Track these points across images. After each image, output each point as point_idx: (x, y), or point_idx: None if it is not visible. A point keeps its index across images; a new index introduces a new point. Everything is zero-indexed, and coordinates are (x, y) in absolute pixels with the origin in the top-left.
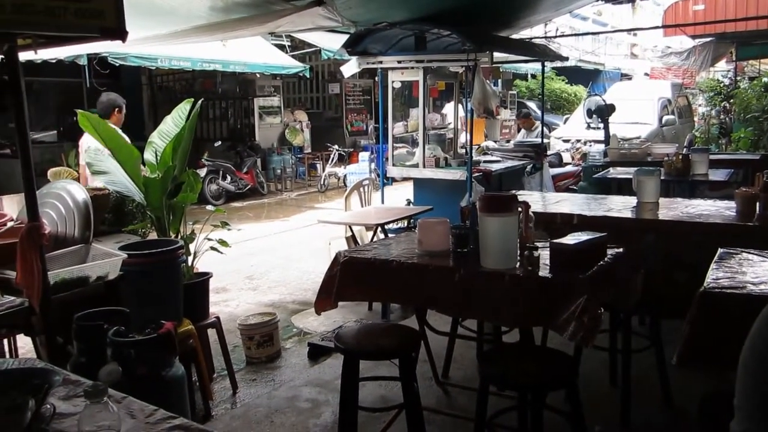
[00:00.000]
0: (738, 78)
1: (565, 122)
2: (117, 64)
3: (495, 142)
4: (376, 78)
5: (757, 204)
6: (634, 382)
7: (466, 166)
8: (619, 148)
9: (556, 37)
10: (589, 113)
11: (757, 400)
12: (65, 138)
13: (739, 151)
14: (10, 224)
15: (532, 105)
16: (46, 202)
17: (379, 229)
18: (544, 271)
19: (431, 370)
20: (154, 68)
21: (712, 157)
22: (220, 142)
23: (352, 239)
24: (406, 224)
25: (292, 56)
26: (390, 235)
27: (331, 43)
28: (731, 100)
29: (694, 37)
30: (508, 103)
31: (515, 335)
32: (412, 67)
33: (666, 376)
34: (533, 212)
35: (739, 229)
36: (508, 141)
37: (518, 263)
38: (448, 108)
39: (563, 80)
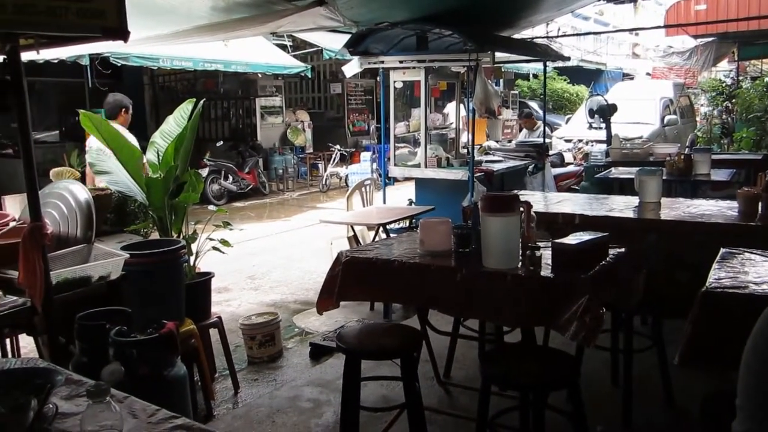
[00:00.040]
0: (740, 78)
1: (566, 122)
2: (119, 64)
3: (497, 141)
4: (378, 78)
5: (760, 204)
6: (635, 382)
7: (468, 166)
8: (621, 148)
9: (557, 36)
10: (591, 113)
11: (759, 400)
12: (67, 138)
13: (741, 151)
14: (12, 224)
15: (533, 105)
16: (48, 202)
17: (381, 229)
18: (545, 271)
19: (433, 369)
20: (156, 68)
21: (714, 157)
22: (222, 142)
23: (353, 239)
24: (407, 224)
25: (294, 56)
26: (392, 235)
27: (333, 43)
28: (733, 100)
29: (696, 36)
30: (509, 103)
31: (517, 335)
32: (414, 67)
33: (668, 376)
34: (535, 212)
35: (742, 229)
36: (509, 141)
37: (520, 263)
38: (450, 108)
39: (565, 80)
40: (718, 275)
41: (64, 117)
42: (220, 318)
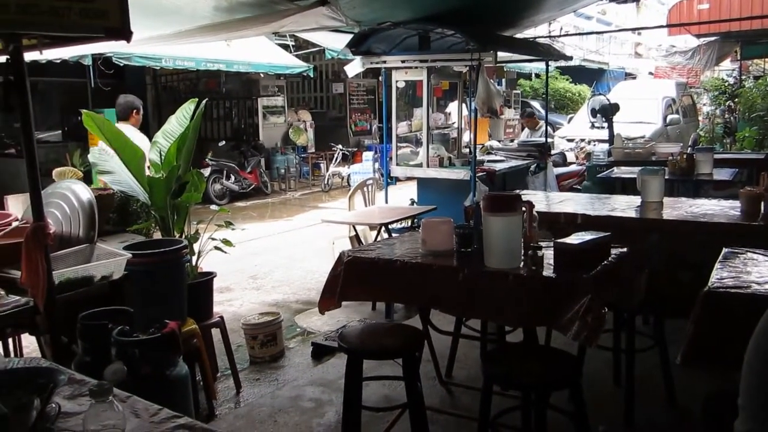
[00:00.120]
0: (743, 77)
1: (569, 122)
2: (121, 64)
3: (499, 141)
4: (380, 78)
5: (762, 203)
6: (637, 382)
7: (470, 165)
8: (623, 147)
9: (560, 36)
10: (593, 113)
11: (761, 400)
12: (70, 138)
13: (744, 151)
14: (15, 224)
15: (536, 104)
16: (51, 202)
17: (383, 228)
18: (547, 271)
19: (435, 369)
20: (158, 68)
21: (716, 156)
22: (224, 142)
23: (355, 239)
24: (409, 224)
25: (296, 56)
26: (394, 234)
27: (335, 42)
28: (736, 100)
29: (698, 36)
30: (512, 102)
31: (519, 335)
32: (416, 67)
33: (670, 376)
34: (537, 212)
35: (744, 229)
36: (512, 140)
37: (522, 263)
38: (452, 107)
39: (567, 79)
40: (720, 275)
41: (67, 117)
42: (222, 318)
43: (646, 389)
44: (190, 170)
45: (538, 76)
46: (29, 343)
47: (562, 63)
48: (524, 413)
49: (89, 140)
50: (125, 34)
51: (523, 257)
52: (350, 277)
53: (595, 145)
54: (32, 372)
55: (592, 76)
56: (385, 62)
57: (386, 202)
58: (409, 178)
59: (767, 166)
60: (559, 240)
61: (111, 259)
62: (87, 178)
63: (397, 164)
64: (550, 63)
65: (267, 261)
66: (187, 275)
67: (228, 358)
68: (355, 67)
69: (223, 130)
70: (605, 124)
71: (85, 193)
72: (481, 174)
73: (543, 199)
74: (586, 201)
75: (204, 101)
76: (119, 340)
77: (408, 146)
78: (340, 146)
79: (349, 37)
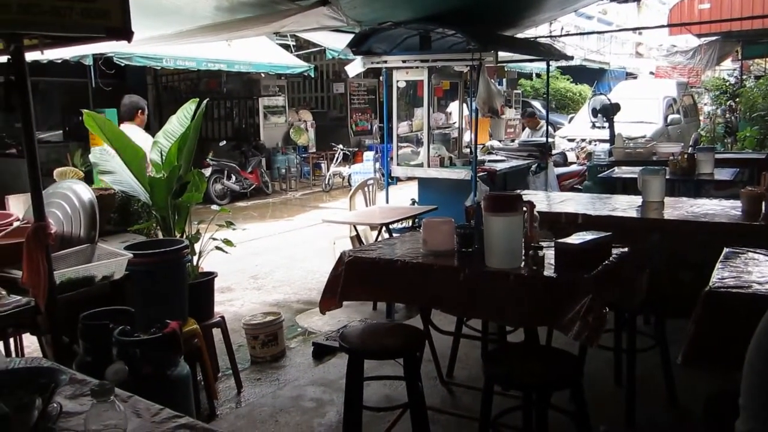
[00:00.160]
0: (744, 77)
1: (569, 121)
2: (122, 64)
3: (500, 141)
4: (381, 77)
5: (763, 203)
6: (639, 382)
7: (471, 165)
8: (624, 147)
9: (561, 36)
10: (594, 112)
11: (762, 400)
12: (71, 138)
13: (745, 150)
14: (16, 224)
15: (536, 104)
16: (52, 202)
17: (384, 228)
18: (548, 271)
19: (436, 369)
20: (159, 68)
21: (717, 156)
22: (225, 142)
23: (356, 239)
24: (410, 224)
25: (297, 56)
26: (394, 234)
27: (336, 42)
28: (737, 99)
29: (699, 35)
30: (512, 102)
31: (520, 335)
32: (417, 67)
33: (671, 376)
34: (538, 212)
35: (745, 229)
36: (512, 140)
37: (523, 263)
38: (453, 107)
39: (568, 79)
40: (721, 275)
41: (68, 117)
42: (223, 318)
43: (647, 389)
44: (191, 170)
45: (539, 75)
46: (30, 343)
47: (563, 63)
48: (525, 413)
49: (90, 140)
50: (126, 34)
51: (524, 257)
52: (351, 277)
53: (596, 144)
54: (34, 372)
55: (593, 75)
56: (385, 62)
57: (387, 202)
58: (409, 178)
59: None
60: (560, 240)
61: (112, 259)
62: (88, 178)
63: (398, 164)
64: (551, 63)
65: (268, 261)
66: (188, 275)
67: (229, 358)
68: (355, 67)
69: (224, 130)
70: (606, 124)
71: (86, 193)
72: (482, 174)
73: (544, 199)
74: (587, 201)
75: (205, 101)
76: (120, 340)
77: (409, 146)
78: (340, 146)
79: (350, 37)
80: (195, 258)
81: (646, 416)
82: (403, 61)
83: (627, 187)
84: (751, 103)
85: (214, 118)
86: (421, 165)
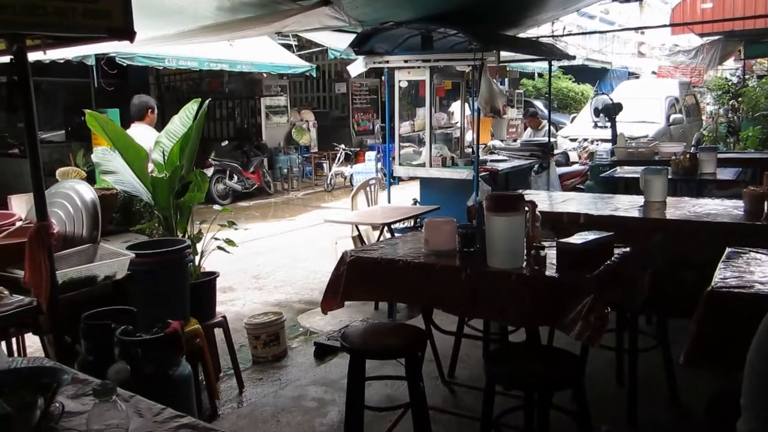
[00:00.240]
0: (746, 76)
1: (572, 121)
2: (125, 64)
3: (502, 141)
4: (383, 77)
5: (766, 203)
6: (640, 382)
7: (473, 165)
8: (626, 147)
9: (563, 35)
10: (596, 112)
11: (763, 400)
12: (73, 138)
13: (747, 150)
14: (18, 224)
15: (538, 104)
16: (54, 202)
17: (386, 228)
18: (550, 271)
19: (437, 369)
20: (161, 68)
21: (719, 155)
22: (227, 142)
23: (358, 239)
24: (412, 224)
25: (299, 56)
26: (396, 234)
27: (338, 42)
28: (739, 99)
29: (702, 35)
30: (514, 102)
31: (521, 335)
32: (419, 67)
33: (673, 376)
34: (540, 211)
35: (747, 229)
36: (514, 140)
37: (525, 263)
38: (455, 107)
39: (570, 79)
40: (723, 275)
41: (70, 117)
42: (224, 317)
43: (649, 389)
44: (193, 170)
45: (541, 75)
46: (32, 342)
47: (565, 62)
48: (527, 413)
49: (92, 140)
50: (128, 34)
51: (525, 257)
52: (353, 277)
53: (598, 144)
54: (36, 371)
55: (595, 75)
56: (387, 62)
57: (389, 202)
58: (411, 178)
59: None
60: (561, 240)
61: (114, 258)
62: (90, 178)
63: (400, 164)
64: (553, 62)
65: (270, 261)
66: (190, 275)
67: (231, 357)
68: (357, 66)
69: (226, 130)
70: (608, 124)
71: (88, 192)
72: (483, 174)
73: (546, 199)
74: (589, 201)
75: (207, 101)
76: (122, 340)
77: (411, 146)
78: (342, 146)
79: (352, 36)
80: (197, 258)
81: (647, 416)
82: (405, 61)
83: (629, 186)
84: (753, 102)
85: (216, 118)
86: (423, 165)
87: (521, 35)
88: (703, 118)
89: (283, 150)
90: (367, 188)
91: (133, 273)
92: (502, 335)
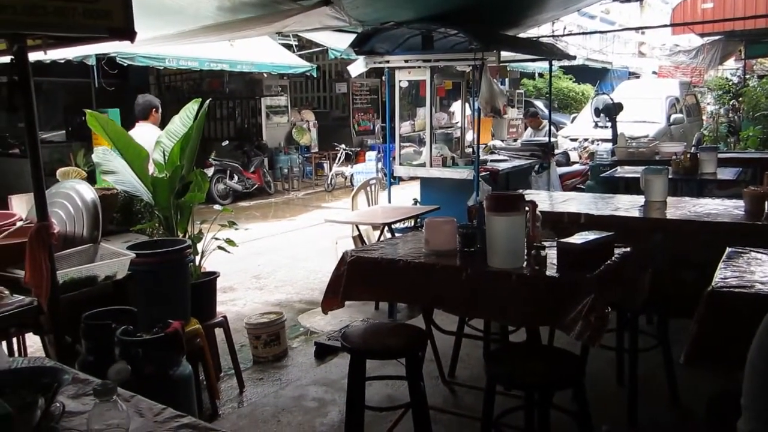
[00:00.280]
0: (747, 76)
1: (572, 121)
2: (125, 64)
3: (502, 141)
4: (383, 77)
5: (766, 203)
6: (641, 382)
7: (473, 165)
8: (626, 146)
9: (563, 35)
10: (597, 112)
11: (764, 400)
12: (74, 138)
13: (748, 150)
14: (19, 224)
15: (539, 104)
16: (55, 202)
17: (386, 228)
18: (551, 271)
19: (438, 369)
20: (161, 68)
21: (720, 155)
22: (227, 142)
23: (359, 239)
24: (413, 224)
25: (300, 56)
26: (397, 234)
27: (338, 42)
28: (740, 99)
29: (702, 35)
30: (515, 102)
31: (522, 335)
32: (420, 67)
33: (673, 376)
34: (540, 211)
35: (748, 228)
36: (515, 140)
37: (525, 263)
38: (456, 107)
39: (571, 79)
40: (724, 274)
41: (71, 117)
42: (225, 317)
43: (649, 389)
44: (194, 170)
45: (541, 75)
46: (33, 342)
47: (566, 62)
48: (527, 413)
49: (93, 140)
50: (129, 34)
51: (526, 257)
52: (353, 277)
53: (598, 144)
54: (36, 371)
55: (595, 75)
56: (388, 62)
57: (389, 201)
58: (412, 178)
59: None
60: (562, 240)
61: (115, 258)
62: (91, 178)
63: (400, 164)
64: (553, 62)
65: (270, 261)
66: (191, 275)
67: (231, 357)
68: (358, 66)
69: (227, 129)
70: (609, 124)
71: (88, 192)
72: (484, 174)
73: (546, 199)
74: (589, 200)
75: (207, 101)
76: (123, 340)
77: (411, 146)
78: (343, 146)
79: (353, 36)
80: (197, 258)
81: (648, 416)
82: (406, 61)
83: (629, 186)
84: (754, 102)
85: (217, 118)
86: (423, 165)
87: (522, 35)
88: (704, 118)
89: (283, 150)
90: (368, 188)
91: (133, 273)
92: (502, 335)
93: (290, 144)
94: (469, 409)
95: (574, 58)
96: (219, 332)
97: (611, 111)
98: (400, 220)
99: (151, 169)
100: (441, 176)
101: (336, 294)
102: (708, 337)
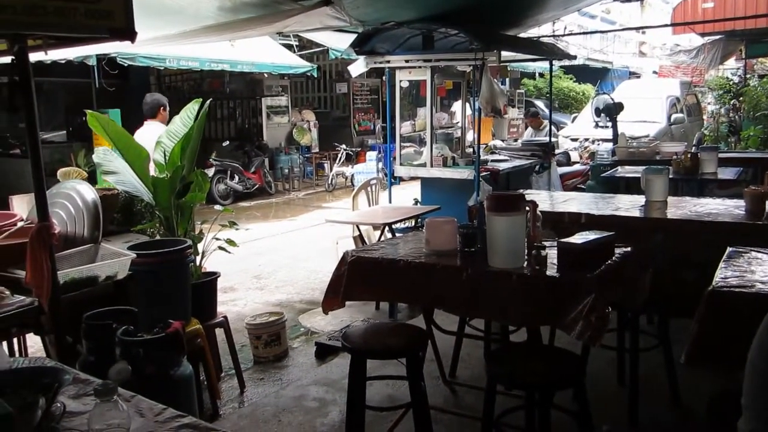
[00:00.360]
0: (747, 76)
1: (573, 121)
2: (126, 65)
3: (503, 141)
4: (384, 77)
5: (767, 203)
6: (641, 382)
7: (474, 165)
8: (627, 146)
9: (564, 35)
10: (598, 112)
11: (764, 400)
12: (74, 138)
13: (749, 150)
14: (20, 224)
15: (539, 104)
16: (55, 202)
17: (387, 228)
18: (551, 271)
19: (438, 369)
20: (162, 68)
21: (721, 155)
22: (228, 142)
23: (359, 239)
24: (413, 224)
25: (300, 56)
26: (397, 234)
27: (339, 42)
28: (740, 98)
29: (703, 35)
30: (515, 102)
31: (522, 334)
32: (420, 67)
33: (674, 375)
34: (541, 211)
35: (748, 228)
36: (515, 140)
37: (526, 263)
38: (456, 107)
39: (571, 79)
40: (724, 274)
41: (72, 117)
42: (225, 318)
43: (650, 389)
44: (194, 170)
45: (542, 75)
46: (34, 342)
47: (566, 62)
48: (528, 413)
49: (94, 140)
50: (130, 34)
51: (526, 257)
52: (354, 277)
53: (599, 144)
54: (37, 372)
55: (596, 75)
56: (388, 62)
57: (390, 201)
58: (412, 178)
59: None
60: (562, 239)
61: (115, 259)
62: (92, 178)
63: (401, 164)
64: (554, 62)
65: (271, 261)
66: (191, 275)
67: (232, 357)
68: (358, 66)
69: (227, 130)
70: (609, 124)
71: (89, 193)
72: (484, 173)
73: (547, 199)
74: (590, 200)
75: (208, 101)
76: (124, 340)
77: (411, 146)
78: (343, 146)
79: (353, 37)
80: (198, 258)
81: (649, 416)
82: (406, 61)
83: (630, 186)
84: (754, 102)
85: (217, 119)
86: (424, 165)
87: (522, 35)
88: (704, 117)
89: (284, 150)
90: (368, 188)
91: (134, 273)
92: (503, 335)
93: (291, 144)
94: (470, 409)
95: (575, 57)
96: (219, 332)
97: (612, 111)
98: (400, 220)
99: (152, 169)
100: (441, 176)
101: (336, 294)
102: (709, 336)
